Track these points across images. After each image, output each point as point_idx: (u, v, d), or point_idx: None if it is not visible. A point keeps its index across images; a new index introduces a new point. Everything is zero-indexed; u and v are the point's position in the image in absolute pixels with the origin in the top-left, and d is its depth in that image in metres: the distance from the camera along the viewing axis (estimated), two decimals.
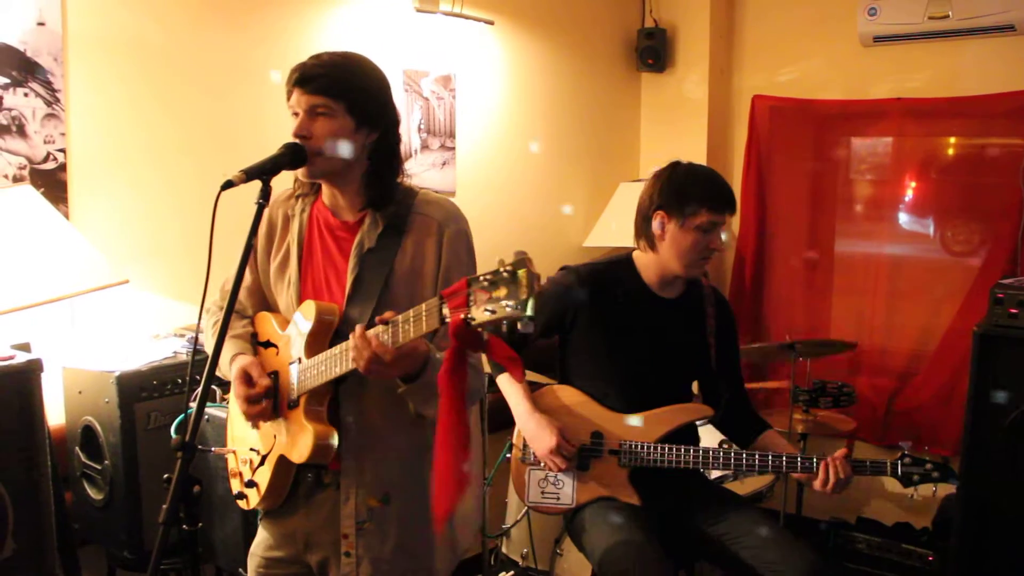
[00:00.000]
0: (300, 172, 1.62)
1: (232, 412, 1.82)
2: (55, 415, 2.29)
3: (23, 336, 2.19)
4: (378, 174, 1.62)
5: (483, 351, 1.29)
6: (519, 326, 1.16)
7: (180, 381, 2.30)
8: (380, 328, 1.40)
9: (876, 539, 3.24)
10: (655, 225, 2.16)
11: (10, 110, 2.29)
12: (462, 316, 1.20)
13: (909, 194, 3.70)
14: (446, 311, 1.24)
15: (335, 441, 1.57)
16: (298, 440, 1.58)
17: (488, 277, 1.18)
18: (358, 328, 1.42)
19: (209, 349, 1.74)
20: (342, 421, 1.61)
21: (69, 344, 2.37)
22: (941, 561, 3.11)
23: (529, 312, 1.14)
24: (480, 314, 1.18)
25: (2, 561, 1.91)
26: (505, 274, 1.16)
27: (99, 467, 2.24)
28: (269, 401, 1.63)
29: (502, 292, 1.16)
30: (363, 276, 1.61)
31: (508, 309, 1.15)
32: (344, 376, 1.52)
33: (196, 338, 1.61)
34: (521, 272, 1.15)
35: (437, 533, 1.64)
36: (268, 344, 1.72)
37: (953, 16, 3.35)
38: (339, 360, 1.50)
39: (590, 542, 2.06)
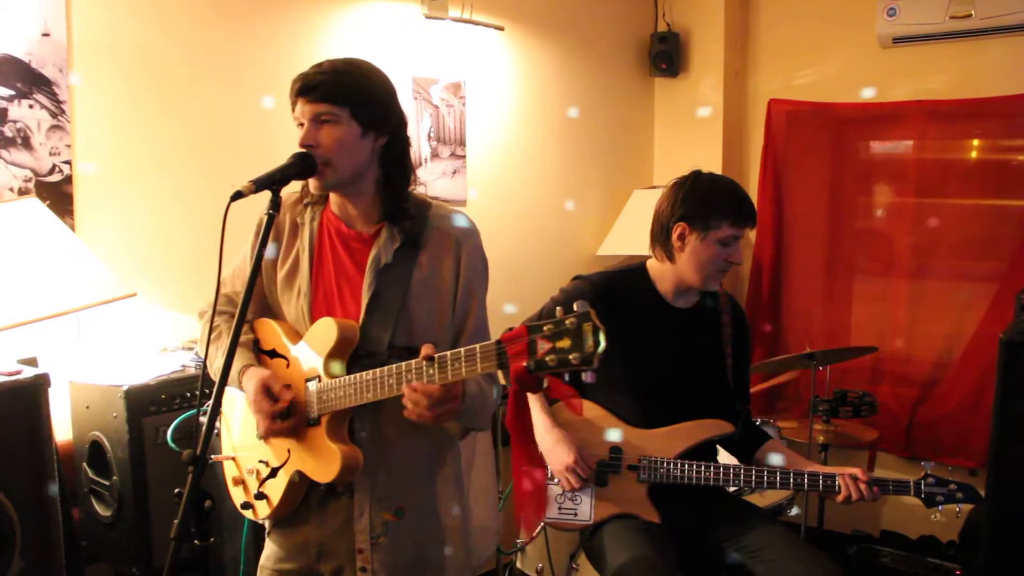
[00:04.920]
0: (312, 185, 1.60)
1: (229, 419, 1.79)
2: (62, 430, 2.27)
3: (30, 351, 2.17)
4: (391, 182, 1.61)
5: (541, 392, 1.40)
6: (583, 376, 1.25)
7: (189, 395, 2.28)
8: (424, 364, 1.42)
9: (901, 553, 3.16)
10: (675, 236, 2.12)
11: (15, 122, 2.28)
12: (524, 364, 1.27)
13: (930, 198, 3.62)
14: (507, 356, 1.30)
15: (361, 461, 1.57)
16: (323, 460, 1.57)
17: (550, 327, 1.26)
18: (418, 384, 1.43)
19: (208, 356, 1.72)
20: (356, 435, 1.60)
21: (76, 358, 2.36)
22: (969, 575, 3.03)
23: (596, 365, 1.22)
24: (543, 363, 1.26)
25: None
26: (569, 325, 1.24)
27: (107, 483, 2.22)
28: (293, 418, 1.60)
29: (566, 343, 1.24)
30: (381, 292, 1.59)
31: (574, 360, 1.23)
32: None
33: (205, 356, 1.58)
34: (587, 325, 1.23)
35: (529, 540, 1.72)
36: (274, 354, 1.69)
37: (976, 15, 3.28)
38: (373, 386, 1.49)
39: (608, 565, 2.01)
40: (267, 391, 1.59)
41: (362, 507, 1.60)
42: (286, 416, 1.59)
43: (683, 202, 2.11)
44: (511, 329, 1.34)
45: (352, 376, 1.52)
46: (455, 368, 1.38)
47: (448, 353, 1.39)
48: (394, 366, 1.46)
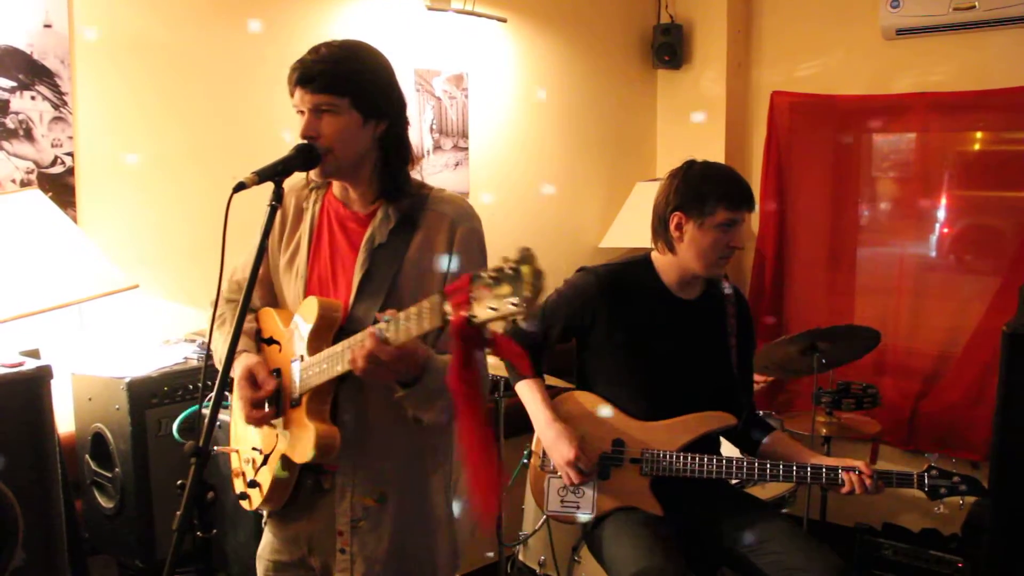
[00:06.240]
0: (313, 172, 1.59)
1: (235, 410, 1.78)
2: (64, 422, 2.27)
3: (32, 342, 2.17)
4: (388, 163, 1.60)
5: (488, 349, 1.28)
6: (523, 323, 1.12)
7: (191, 387, 2.28)
8: (381, 325, 1.37)
9: (903, 546, 3.17)
10: (672, 226, 2.12)
11: (17, 114, 2.27)
12: (464, 314, 1.18)
13: (933, 191, 3.61)
14: (448, 308, 1.21)
15: (338, 441, 1.54)
16: (300, 440, 1.55)
17: (491, 274, 1.15)
18: (370, 341, 1.37)
19: (213, 343, 1.70)
20: (340, 419, 1.58)
21: (78, 350, 2.35)
22: (971, 568, 3.03)
23: (534, 310, 1.11)
24: (483, 312, 1.15)
25: (13, 571, 1.90)
26: (509, 271, 1.13)
27: (109, 475, 2.22)
28: (273, 407, 1.59)
29: (506, 289, 1.13)
30: (372, 272, 1.58)
31: (511, 307, 1.12)
32: (346, 375, 1.48)
33: (208, 343, 1.57)
34: (525, 269, 1.12)
35: (484, 532, 1.61)
36: (271, 341, 1.69)
37: (979, 7, 3.27)
38: (340, 358, 1.47)
39: (610, 558, 2.01)
40: (250, 378, 1.58)
41: (343, 490, 1.59)
42: (265, 404, 1.57)
43: (677, 191, 2.12)
44: None
45: (326, 351, 1.50)
46: (406, 326, 1.32)
47: (401, 312, 1.34)
48: (358, 334, 1.42)
